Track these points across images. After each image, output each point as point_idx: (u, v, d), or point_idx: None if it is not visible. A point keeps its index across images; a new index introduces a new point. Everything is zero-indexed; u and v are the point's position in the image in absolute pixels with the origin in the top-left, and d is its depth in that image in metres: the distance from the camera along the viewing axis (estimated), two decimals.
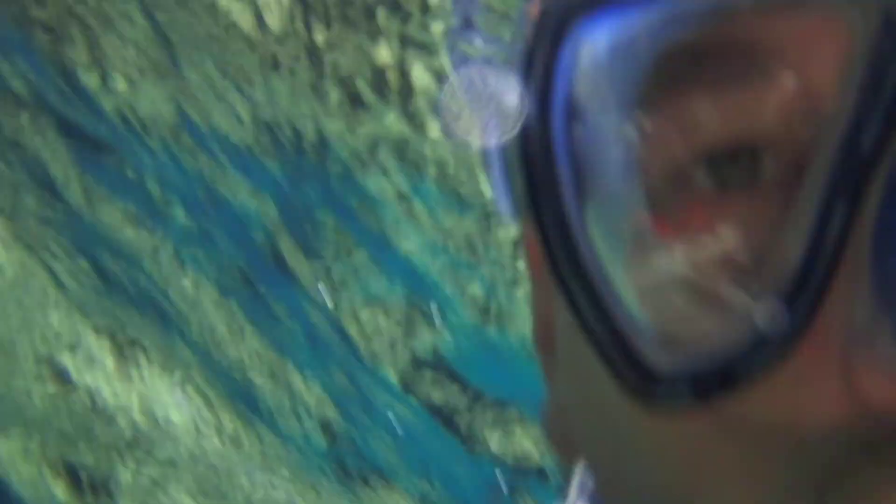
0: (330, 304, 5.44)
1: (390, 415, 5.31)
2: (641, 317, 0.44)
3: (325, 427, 5.13)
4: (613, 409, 0.47)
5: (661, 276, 0.45)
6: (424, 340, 5.59)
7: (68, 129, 5.13)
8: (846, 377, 0.41)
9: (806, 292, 0.42)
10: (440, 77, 5.06)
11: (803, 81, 0.44)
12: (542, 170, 0.44)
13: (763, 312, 0.42)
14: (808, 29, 0.43)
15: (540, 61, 0.45)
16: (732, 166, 0.45)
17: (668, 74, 0.45)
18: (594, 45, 0.45)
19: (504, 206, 0.48)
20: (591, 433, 0.51)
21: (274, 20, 5.14)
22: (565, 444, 0.56)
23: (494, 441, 5.47)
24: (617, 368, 0.44)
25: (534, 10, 0.47)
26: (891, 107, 0.41)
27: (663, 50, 0.45)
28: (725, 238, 0.45)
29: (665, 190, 0.45)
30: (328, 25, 5.12)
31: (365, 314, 5.49)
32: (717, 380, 0.42)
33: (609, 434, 0.49)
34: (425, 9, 5.05)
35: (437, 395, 5.53)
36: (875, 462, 0.41)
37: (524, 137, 0.45)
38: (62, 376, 4.81)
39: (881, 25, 0.42)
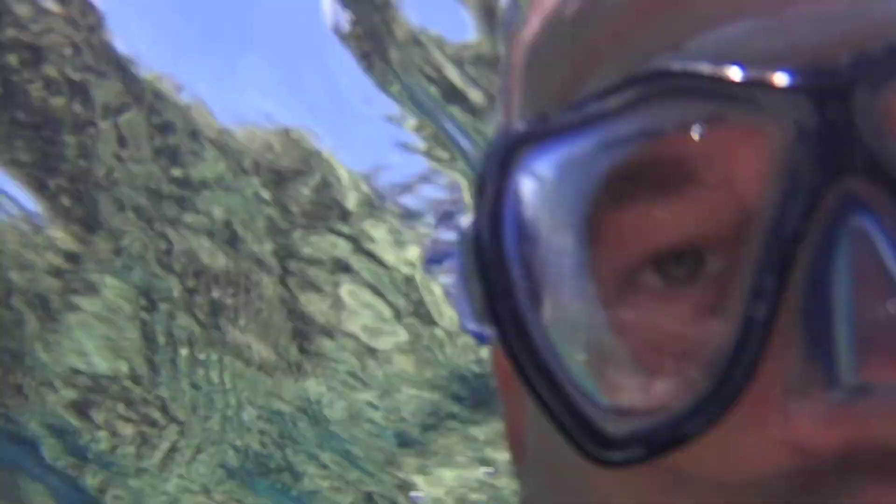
0: None
1: None
2: (597, 393, 0.50)
3: None
4: (572, 483, 0.53)
5: (615, 357, 0.51)
6: None
7: None
8: (785, 425, 0.47)
9: (744, 356, 0.47)
10: None
11: (731, 187, 0.50)
12: (499, 282, 0.51)
13: (706, 377, 0.48)
14: (731, 142, 0.50)
15: (490, 188, 0.51)
16: (677, 266, 0.52)
17: (610, 192, 0.52)
18: (541, 171, 0.52)
19: (466, 324, 0.54)
20: None
21: None
22: None
23: None
24: (578, 439, 0.49)
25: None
26: (807, 203, 0.47)
27: (603, 171, 0.51)
28: (673, 322, 0.51)
29: (616, 291, 0.52)
30: None
31: None
32: (668, 438, 0.48)
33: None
34: None
35: None
36: (811, 502, 0.46)
37: (482, 256, 0.51)
38: None
39: (795, 136, 0.48)
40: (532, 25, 0.63)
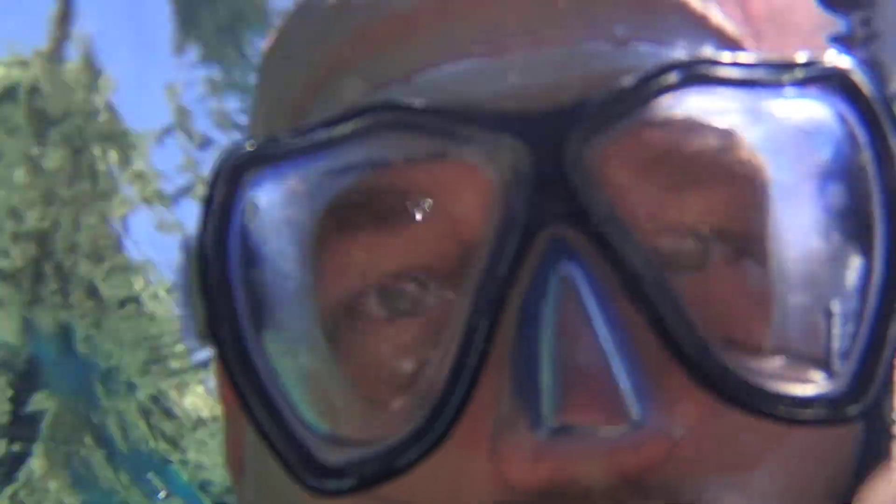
0: None
1: None
2: (315, 421, 0.51)
3: None
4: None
5: (334, 386, 0.52)
6: None
7: None
8: (492, 461, 0.49)
9: (454, 395, 0.49)
10: None
11: (451, 223, 0.52)
12: (221, 303, 0.51)
13: (420, 411, 0.49)
14: (453, 179, 0.51)
15: (216, 206, 0.51)
16: (400, 297, 0.52)
17: (335, 220, 0.52)
18: (266, 193, 0.52)
19: (187, 339, 0.54)
20: None
21: None
22: None
23: None
24: (292, 466, 0.50)
25: None
26: (517, 249, 0.49)
27: (327, 198, 0.52)
28: (392, 353, 0.52)
29: (339, 318, 0.53)
30: None
31: None
32: (381, 470, 0.49)
33: None
34: None
35: None
36: None
37: (205, 276, 0.51)
38: None
39: (510, 180, 0.50)
40: (273, 38, 0.63)
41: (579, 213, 0.49)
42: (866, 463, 0.55)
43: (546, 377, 0.47)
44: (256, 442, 0.52)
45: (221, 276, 0.51)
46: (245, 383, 0.50)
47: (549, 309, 0.48)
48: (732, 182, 0.52)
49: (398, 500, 0.50)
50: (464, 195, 0.51)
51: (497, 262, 0.49)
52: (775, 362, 0.51)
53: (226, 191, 0.51)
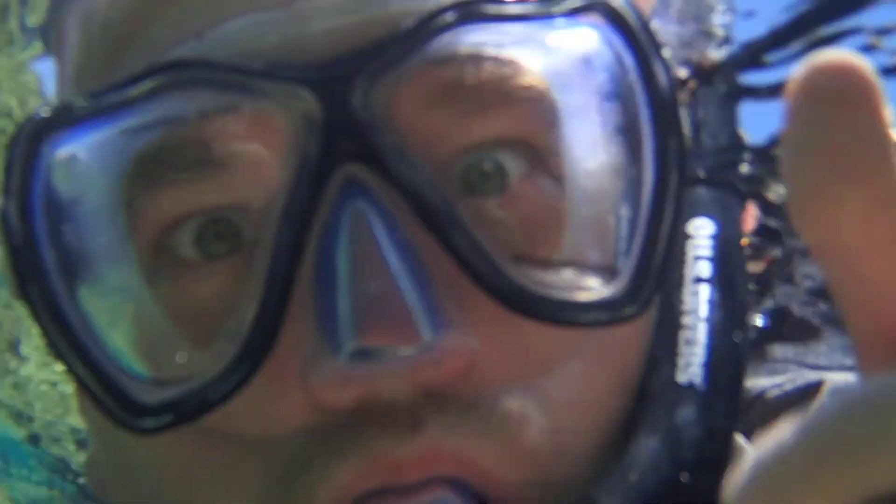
0: None
1: None
2: (132, 365, 0.54)
3: None
4: (122, 447, 0.58)
5: (151, 329, 0.55)
6: None
7: None
8: (303, 388, 0.53)
9: (261, 331, 0.53)
10: None
11: (253, 170, 0.55)
12: (28, 264, 0.54)
13: (232, 348, 0.53)
14: (249, 128, 0.54)
15: (17, 170, 0.54)
16: (216, 241, 0.56)
17: (141, 175, 0.55)
18: (69, 154, 0.55)
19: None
20: (114, 474, 0.62)
21: None
22: (101, 488, 0.66)
23: None
24: (111, 409, 0.53)
25: None
26: (313, 188, 0.53)
27: (131, 155, 0.55)
28: (206, 294, 0.55)
29: (152, 265, 0.56)
30: None
31: None
32: (195, 403, 0.53)
33: (125, 469, 0.59)
34: None
35: None
36: (332, 445, 0.53)
37: (10, 238, 0.53)
38: None
39: (302, 126, 0.53)
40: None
41: (367, 150, 0.53)
42: (656, 356, 0.60)
43: (342, 306, 0.51)
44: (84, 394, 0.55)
45: (27, 238, 0.53)
46: (58, 337, 0.53)
47: (343, 243, 0.52)
48: (518, 105, 0.55)
49: (219, 431, 0.54)
50: (261, 143, 0.54)
51: (294, 203, 0.53)
52: (564, 273, 0.55)
53: (25, 155, 0.53)
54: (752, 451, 0.33)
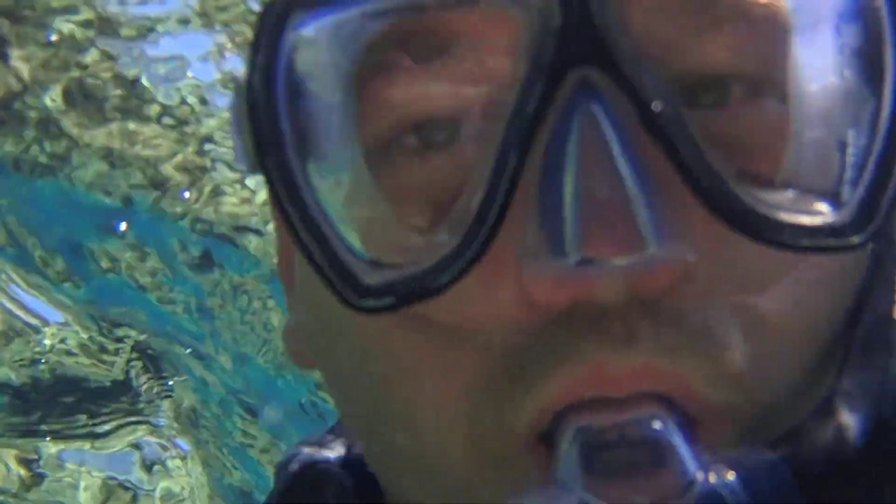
0: None
1: None
2: (356, 245, 0.56)
3: None
4: (336, 321, 0.59)
5: (375, 213, 0.57)
6: None
7: None
8: (518, 284, 0.53)
9: (485, 223, 0.53)
10: None
11: (484, 63, 0.55)
12: (269, 135, 0.55)
13: (453, 237, 0.54)
14: (485, 22, 0.55)
15: (264, 45, 0.55)
16: (436, 131, 0.57)
17: (374, 60, 0.56)
18: (312, 34, 0.56)
19: (239, 164, 0.59)
20: (321, 344, 0.64)
21: None
22: (301, 357, 0.69)
23: None
24: (336, 286, 0.55)
25: None
26: (545, 88, 0.53)
27: (367, 39, 0.56)
28: (428, 183, 0.57)
29: (379, 150, 0.57)
30: None
31: None
32: (416, 288, 0.54)
33: (334, 342, 0.61)
34: None
35: None
36: (546, 350, 0.53)
37: (253, 109, 0.56)
38: None
39: (539, 24, 0.53)
40: None
41: (603, 54, 0.52)
42: (872, 291, 0.59)
43: (569, 211, 0.51)
44: (305, 265, 0.57)
45: (269, 111, 0.55)
46: (292, 210, 0.55)
47: (572, 146, 0.52)
48: (752, 22, 0.54)
49: (433, 320, 0.55)
50: (496, 39, 0.55)
51: (526, 101, 0.53)
52: (787, 194, 0.55)
53: (273, 31, 0.55)
54: None
